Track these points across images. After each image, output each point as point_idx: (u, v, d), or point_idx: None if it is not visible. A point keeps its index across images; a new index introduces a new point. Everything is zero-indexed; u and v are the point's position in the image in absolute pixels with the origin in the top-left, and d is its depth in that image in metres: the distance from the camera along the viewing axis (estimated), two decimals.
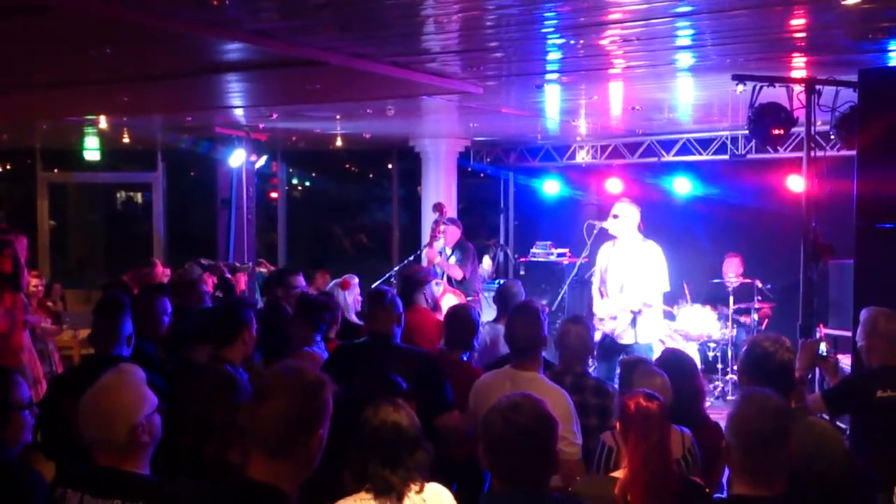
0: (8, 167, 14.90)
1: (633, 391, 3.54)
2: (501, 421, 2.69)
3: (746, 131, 7.16)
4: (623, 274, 7.32)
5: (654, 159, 11.36)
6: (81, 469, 2.79)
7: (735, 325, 9.77)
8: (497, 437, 2.69)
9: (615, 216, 7.43)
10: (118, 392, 2.76)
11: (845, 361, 6.68)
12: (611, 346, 7.27)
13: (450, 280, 8.34)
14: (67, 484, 2.75)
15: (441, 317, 6.52)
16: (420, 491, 2.92)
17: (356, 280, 7.08)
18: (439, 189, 12.05)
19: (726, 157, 10.58)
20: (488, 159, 13.32)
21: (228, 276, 8.14)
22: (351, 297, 6.79)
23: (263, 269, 10.49)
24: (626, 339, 7.19)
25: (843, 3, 4.51)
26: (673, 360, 4.29)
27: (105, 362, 4.28)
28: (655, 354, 6.03)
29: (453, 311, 5.49)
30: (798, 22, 5.29)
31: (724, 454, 2.76)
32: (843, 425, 6.20)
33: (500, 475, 2.71)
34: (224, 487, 2.63)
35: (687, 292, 10.06)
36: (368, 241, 15.57)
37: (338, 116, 9.87)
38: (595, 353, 7.30)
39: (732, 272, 9.88)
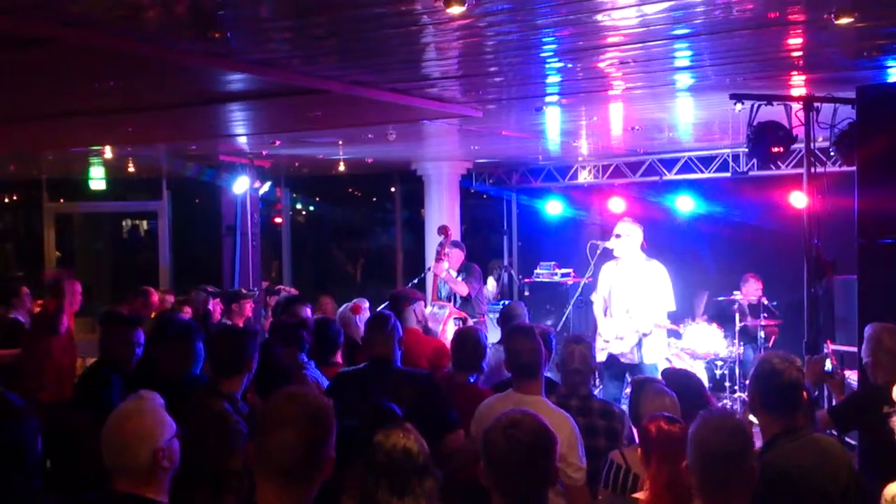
0: (14, 198, 14.99)
1: (653, 415, 3.54)
2: (502, 438, 2.70)
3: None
4: (629, 294, 7.33)
5: (656, 178, 11.39)
6: (98, 495, 2.80)
7: (742, 343, 9.75)
8: (498, 454, 2.71)
9: (618, 235, 7.45)
10: (139, 418, 2.77)
11: (852, 377, 6.67)
12: (616, 367, 7.28)
13: (456, 302, 8.35)
14: None
15: (434, 337, 6.54)
16: None
17: (366, 304, 7.09)
18: (442, 211, 12.09)
19: (728, 174, 10.60)
20: (490, 180, 13.37)
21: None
22: (363, 322, 6.80)
23: (286, 293, 10.44)
24: (631, 359, 7.19)
25: (836, 22, 4.55)
26: (678, 380, 4.29)
27: (183, 382, 4.34)
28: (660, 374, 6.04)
29: (461, 333, 5.51)
30: (795, 41, 5.33)
31: (684, 474, 2.77)
32: (853, 441, 6.19)
33: (501, 491, 2.72)
34: None
35: (702, 305, 10.04)
36: (368, 265, 15.58)
37: (340, 142, 9.93)
38: (599, 373, 7.35)
39: (752, 294, 9.78)
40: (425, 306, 6.95)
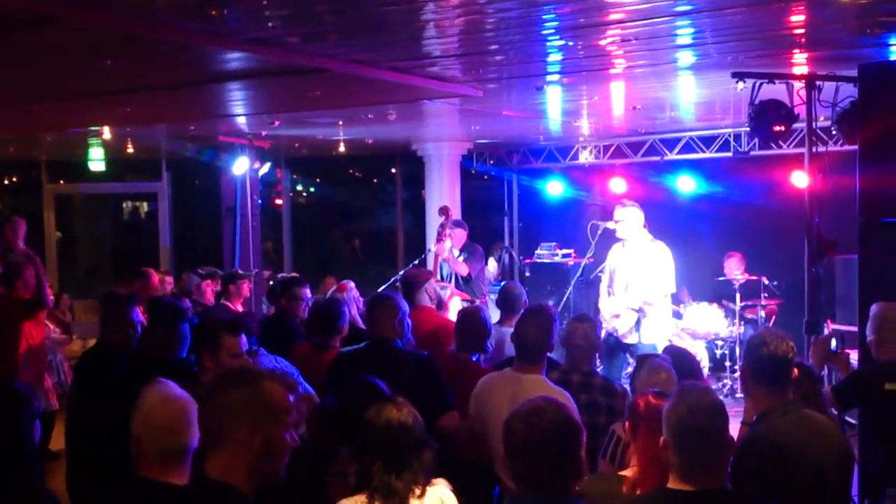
0: (14, 179, 14.97)
1: (644, 389, 3.55)
2: (523, 426, 2.64)
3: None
4: (629, 273, 7.37)
5: (657, 158, 11.35)
6: (125, 481, 2.81)
7: (742, 323, 9.76)
8: (518, 441, 2.64)
9: (617, 222, 7.49)
10: (178, 402, 2.81)
11: (853, 356, 6.67)
12: (615, 345, 7.31)
13: (457, 282, 8.35)
14: (112, 497, 2.77)
15: (447, 315, 6.55)
16: (422, 496, 2.90)
17: (352, 284, 7.11)
18: (443, 192, 12.06)
19: (729, 154, 10.56)
20: (491, 161, 13.33)
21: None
22: (351, 300, 6.80)
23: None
24: (629, 338, 7.21)
25: None
26: (674, 357, 4.31)
27: (171, 365, 4.29)
28: None
29: (464, 313, 5.50)
30: (797, 18, 5.29)
31: (661, 450, 2.75)
32: (853, 420, 6.21)
33: (522, 480, 2.66)
34: (185, 487, 2.66)
35: (687, 295, 10.08)
36: (364, 246, 15.58)
37: (340, 122, 9.90)
38: (600, 352, 7.36)
39: (736, 270, 9.88)
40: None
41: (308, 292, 6.58)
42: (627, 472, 3.31)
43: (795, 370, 3.48)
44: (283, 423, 2.39)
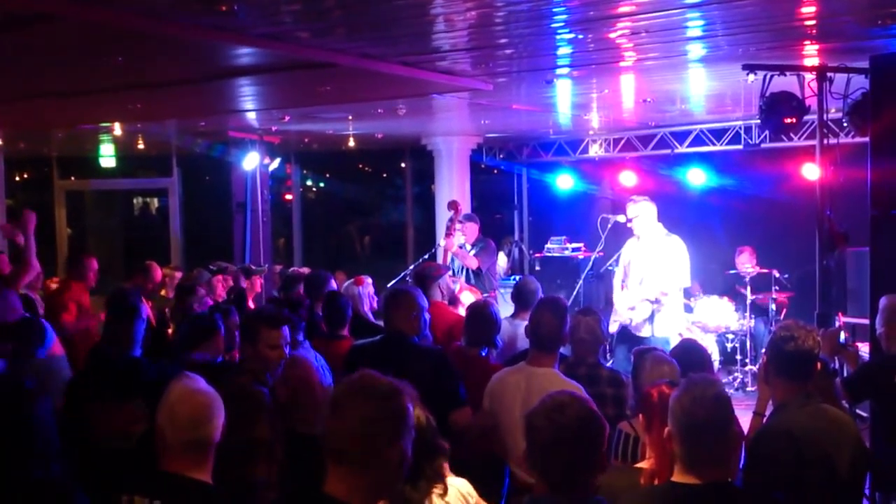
0: (25, 176, 15.03)
1: (653, 381, 3.55)
2: (546, 422, 2.62)
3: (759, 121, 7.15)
4: (644, 268, 7.38)
5: (668, 151, 11.32)
6: (146, 475, 2.82)
7: (753, 316, 9.74)
8: (541, 438, 2.62)
9: (629, 220, 7.49)
10: (203, 395, 2.82)
11: (864, 349, 6.66)
12: (628, 338, 7.31)
13: (467, 276, 8.35)
14: (134, 490, 2.78)
15: (458, 310, 6.56)
16: (444, 494, 2.86)
17: (369, 280, 7.13)
18: (453, 186, 12.07)
19: (740, 146, 10.54)
20: (501, 155, 13.33)
21: (243, 283, 8.12)
22: (366, 294, 6.82)
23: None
24: (643, 331, 7.21)
25: None
26: (685, 351, 4.31)
27: (119, 363, 4.37)
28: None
29: (474, 308, 5.51)
30: (807, 10, 5.28)
31: (666, 441, 2.75)
32: (864, 413, 6.19)
33: (544, 477, 2.65)
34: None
35: (698, 288, 10.08)
36: (374, 241, 15.59)
37: (350, 117, 9.91)
38: (610, 345, 7.36)
39: (748, 264, 9.87)
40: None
41: (334, 283, 6.57)
42: (644, 464, 3.31)
43: (819, 364, 3.49)
44: (411, 439, 2.30)
